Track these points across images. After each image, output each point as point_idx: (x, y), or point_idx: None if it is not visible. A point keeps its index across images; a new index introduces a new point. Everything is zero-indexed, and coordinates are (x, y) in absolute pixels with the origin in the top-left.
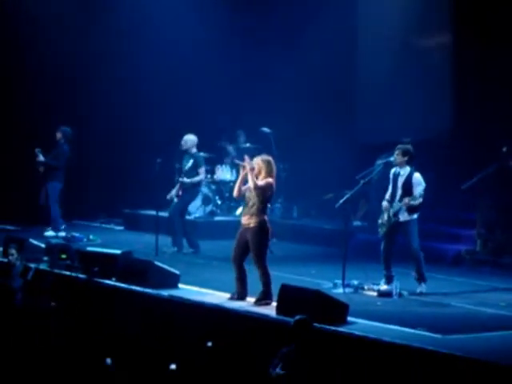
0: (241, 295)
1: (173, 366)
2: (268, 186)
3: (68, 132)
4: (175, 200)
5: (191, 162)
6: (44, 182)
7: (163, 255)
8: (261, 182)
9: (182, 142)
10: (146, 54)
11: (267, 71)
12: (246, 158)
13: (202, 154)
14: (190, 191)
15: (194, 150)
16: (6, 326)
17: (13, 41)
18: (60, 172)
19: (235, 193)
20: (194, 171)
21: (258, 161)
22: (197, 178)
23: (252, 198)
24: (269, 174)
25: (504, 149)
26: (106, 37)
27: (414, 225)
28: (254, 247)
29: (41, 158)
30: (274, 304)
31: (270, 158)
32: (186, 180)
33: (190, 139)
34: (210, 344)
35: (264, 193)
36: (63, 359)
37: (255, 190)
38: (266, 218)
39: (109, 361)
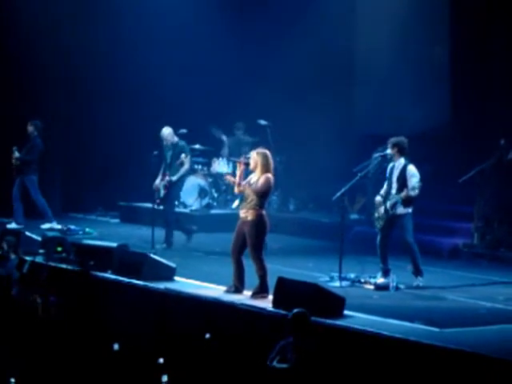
0: (237, 288)
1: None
2: (267, 182)
3: (39, 125)
4: (162, 191)
5: (174, 151)
6: (18, 177)
7: (155, 252)
8: (260, 185)
9: (165, 138)
10: (143, 47)
11: (264, 63)
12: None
13: (184, 142)
14: (177, 182)
15: (176, 139)
16: (4, 318)
17: None
18: (34, 165)
19: (236, 190)
20: (177, 159)
21: (253, 154)
22: (182, 170)
23: (250, 193)
24: (265, 167)
25: (502, 141)
26: (102, 30)
27: (409, 218)
28: (251, 240)
29: (17, 154)
30: (271, 297)
31: (266, 151)
32: (174, 178)
33: (168, 132)
34: (207, 336)
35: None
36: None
37: (256, 192)
38: (263, 211)
39: (116, 346)
